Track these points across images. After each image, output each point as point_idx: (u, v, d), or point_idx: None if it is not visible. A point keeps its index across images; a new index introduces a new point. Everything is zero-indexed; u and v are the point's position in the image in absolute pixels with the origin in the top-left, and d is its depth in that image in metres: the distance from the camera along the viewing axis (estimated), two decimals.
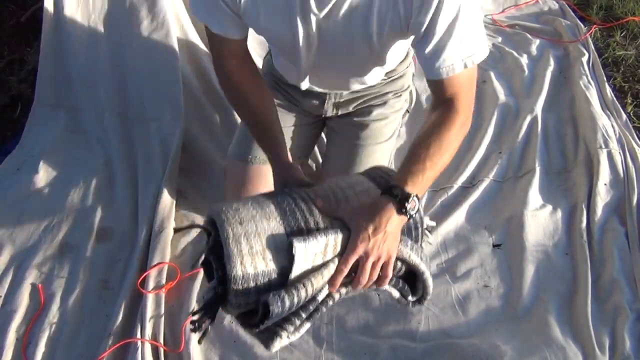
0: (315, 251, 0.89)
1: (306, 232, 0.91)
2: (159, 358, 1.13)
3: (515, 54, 1.95)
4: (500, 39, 2.05)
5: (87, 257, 1.32)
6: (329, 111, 1.36)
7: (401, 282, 0.99)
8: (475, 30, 0.97)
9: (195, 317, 0.91)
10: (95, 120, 1.64)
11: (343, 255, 0.92)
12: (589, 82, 1.77)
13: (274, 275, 0.89)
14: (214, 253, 0.93)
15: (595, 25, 2.10)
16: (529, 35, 2.05)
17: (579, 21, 2.09)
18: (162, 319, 1.19)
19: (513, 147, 1.60)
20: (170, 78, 1.65)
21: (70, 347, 1.16)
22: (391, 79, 1.32)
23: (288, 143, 1.33)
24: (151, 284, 1.24)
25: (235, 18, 1.04)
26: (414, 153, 0.97)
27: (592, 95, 1.70)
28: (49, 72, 1.69)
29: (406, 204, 0.92)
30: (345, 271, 0.91)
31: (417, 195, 0.93)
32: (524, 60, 1.92)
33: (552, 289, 1.24)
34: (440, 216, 1.43)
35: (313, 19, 0.99)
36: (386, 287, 0.96)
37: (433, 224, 1.10)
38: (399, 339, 1.18)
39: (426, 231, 1.05)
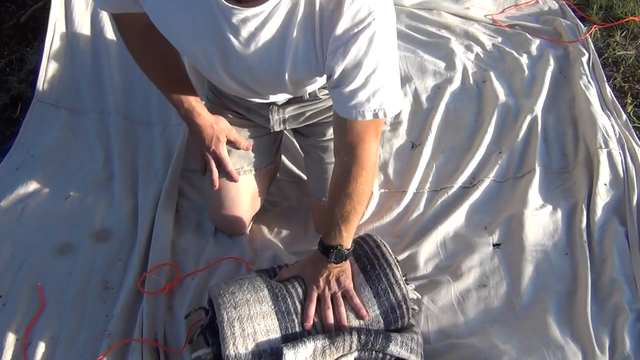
0: (305, 356, 1.00)
1: (294, 315, 1.05)
2: (159, 358, 1.13)
3: (515, 54, 1.95)
4: (500, 39, 2.05)
5: (87, 257, 1.32)
6: (276, 127, 1.34)
7: None
8: (390, 85, 0.96)
9: None
10: (97, 121, 1.64)
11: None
12: (589, 82, 1.77)
13: (265, 356, 1.01)
14: (211, 328, 1.06)
15: (595, 25, 2.10)
16: (529, 35, 2.05)
17: (579, 21, 2.09)
18: (162, 319, 1.19)
19: (513, 147, 1.60)
20: None
21: (70, 347, 1.16)
22: None
23: (251, 155, 1.35)
24: (151, 284, 1.24)
25: (136, 6, 0.99)
26: (328, 207, 1.09)
27: (592, 95, 1.70)
28: (51, 72, 1.69)
29: (329, 256, 1.08)
30: (312, 306, 1.07)
31: (337, 247, 1.08)
32: (524, 60, 1.92)
33: (552, 288, 1.24)
34: (440, 216, 1.43)
35: (226, 42, 0.95)
36: None
37: (418, 296, 1.22)
38: None
39: (412, 305, 1.15)
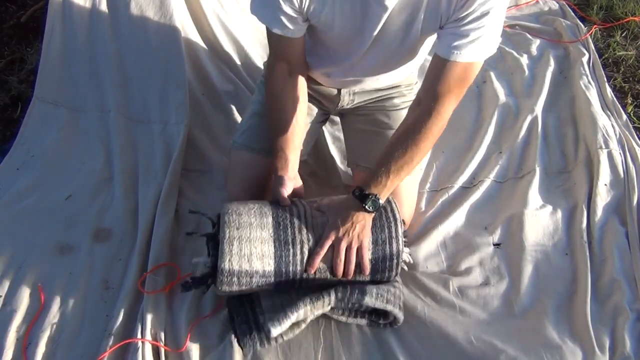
0: (289, 324, 1.08)
1: (290, 245, 1.10)
2: (160, 358, 1.13)
3: (515, 54, 1.95)
4: (500, 39, 2.05)
5: (87, 257, 1.32)
6: (346, 99, 1.39)
7: (367, 315, 1.17)
8: (494, 34, 1.03)
9: (188, 279, 1.14)
10: (97, 120, 1.64)
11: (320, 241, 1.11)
12: (589, 82, 1.77)
13: (257, 276, 1.08)
14: (214, 241, 1.13)
15: (595, 26, 2.10)
16: (529, 35, 2.05)
17: (579, 21, 2.09)
18: (163, 318, 1.19)
19: (513, 147, 1.60)
20: (177, 83, 1.65)
21: (71, 347, 1.16)
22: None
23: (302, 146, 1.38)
24: (151, 284, 1.24)
25: (294, 18, 1.09)
26: (384, 155, 1.10)
27: (592, 95, 1.70)
28: (51, 70, 1.69)
29: (365, 202, 1.09)
30: (321, 253, 1.10)
31: (376, 195, 1.09)
32: (524, 60, 1.93)
33: (552, 289, 1.24)
34: (440, 215, 1.43)
35: (380, 10, 1.04)
36: (353, 320, 1.17)
37: (410, 260, 1.27)
38: None
39: (403, 266, 1.21)
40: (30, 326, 1.18)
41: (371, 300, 1.11)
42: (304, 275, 1.12)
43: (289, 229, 1.12)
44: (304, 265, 1.11)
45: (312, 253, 1.11)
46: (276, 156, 1.22)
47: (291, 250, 1.10)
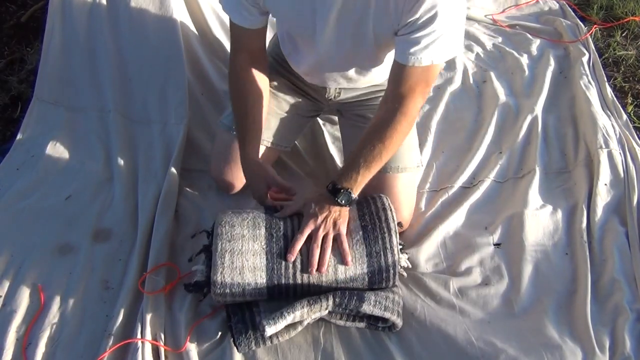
0: (284, 324, 1.07)
1: (282, 258, 1.11)
2: (159, 358, 1.13)
3: (515, 54, 1.95)
4: (500, 39, 2.05)
5: (87, 257, 1.32)
6: (332, 91, 1.42)
7: (365, 319, 1.17)
8: (452, 34, 1.05)
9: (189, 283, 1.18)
10: (97, 120, 1.64)
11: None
12: (589, 82, 1.77)
13: (249, 289, 1.10)
14: (209, 252, 1.15)
15: (595, 25, 2.10)
16: (529, 35, 2.05)
17: (579, 21, 2.09)
18: (163, 319, 1.19)
19: (513, 147, 1.60)
20: (176, 83, 1.65)
21: (71, 347, 1.16)
22: None
23: (276, 132, 1.44)
24: (151, 284, 1.24)
25: (251, 9, 1.15)
26: (355, 151, 1.14)
27: (593, 95, 1.70)
28: (51, 70, 1.69)
29: (337, 196, 1.12)
30: (301, 239, 1.11)
31: (348, 189, 1.12)
32: (524, 60, 1.92)
33: (552, 288, 1.24)
34: (440, 215, 1.43)
35: (330, 9, 1.08)
36: (352, 324, 1.16)
37: (408, 265, 1.26)
38: None
39: (402, 272, 1.23)
40: (30, 326, 1.18)
41: (369, 307, 1.11)
42: (298, 284, 1.11)
43: (282, 241, 1.13)
44: (296, 276, 1.11)
45: (293, 241, 1.12)
46: (246, 142, 1.26)
47: (283, 263, 1.11)
